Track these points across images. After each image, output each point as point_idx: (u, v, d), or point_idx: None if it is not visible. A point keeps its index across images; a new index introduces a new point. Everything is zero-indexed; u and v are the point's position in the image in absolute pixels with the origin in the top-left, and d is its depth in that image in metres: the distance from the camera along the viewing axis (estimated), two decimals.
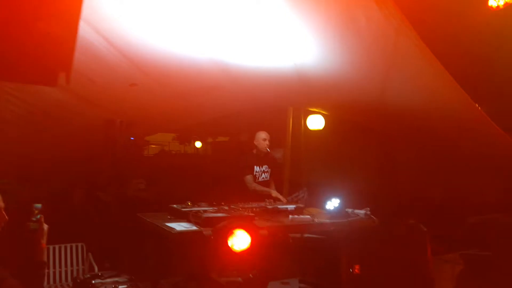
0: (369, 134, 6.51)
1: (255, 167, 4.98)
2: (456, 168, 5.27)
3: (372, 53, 3.53)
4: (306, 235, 2.20)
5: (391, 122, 5.41)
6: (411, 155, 6.10)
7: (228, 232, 1.71)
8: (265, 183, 5.00)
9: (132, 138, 4.55)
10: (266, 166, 5.03)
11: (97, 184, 6.39)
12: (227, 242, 1.69)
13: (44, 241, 2.01)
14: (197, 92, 5.01)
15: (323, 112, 6.46)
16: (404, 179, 6.21)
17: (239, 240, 1.67)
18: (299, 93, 5.31)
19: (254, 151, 5.04)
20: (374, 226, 3.12)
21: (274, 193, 4.82)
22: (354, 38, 3.30)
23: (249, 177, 4.91)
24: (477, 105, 3.79)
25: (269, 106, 6.76)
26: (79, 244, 4.88)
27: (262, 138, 4.98)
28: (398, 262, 1.94)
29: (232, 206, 3.99)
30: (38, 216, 2.00)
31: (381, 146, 6.57)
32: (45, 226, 2.02)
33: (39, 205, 2.03)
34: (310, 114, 6.61)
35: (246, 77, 4.57)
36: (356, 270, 1.79)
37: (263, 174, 5.01)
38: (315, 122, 6.61)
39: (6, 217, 1.90)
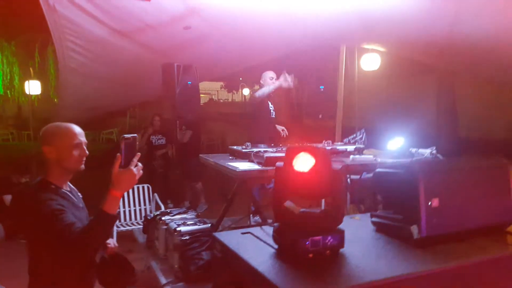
0: (429, 71, 6.14)
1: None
2: None
3: None
4: (378, 170, 2.15)
5: (456, 56, 5.04)
6: (476, 90, 5.71)
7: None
8: None
9: (189, 83, 4.55)
10: None
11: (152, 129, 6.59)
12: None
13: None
14: (248, 32, 4.88)
15: (380, 49, 6.11)
16: (467, 115, 5.88)
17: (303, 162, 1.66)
18: (356, 29, 5.02)
19: None
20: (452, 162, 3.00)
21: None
22: None
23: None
24: None
25: (319, 47, 6.49)
26: (145, 185, 5.14)
27: (269, 77, 4.93)
28: (479, 195, 1.87)
29: (290, 147, 4.00)
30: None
31: (443, 83, 6.20)
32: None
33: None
34: (365, 53, 6.28)
35: (301, 12, 4.36)
36: (435, 204, 1.74)
37: None
38: (370, 61, 6.29)
39: (87, 152, 1.96)
